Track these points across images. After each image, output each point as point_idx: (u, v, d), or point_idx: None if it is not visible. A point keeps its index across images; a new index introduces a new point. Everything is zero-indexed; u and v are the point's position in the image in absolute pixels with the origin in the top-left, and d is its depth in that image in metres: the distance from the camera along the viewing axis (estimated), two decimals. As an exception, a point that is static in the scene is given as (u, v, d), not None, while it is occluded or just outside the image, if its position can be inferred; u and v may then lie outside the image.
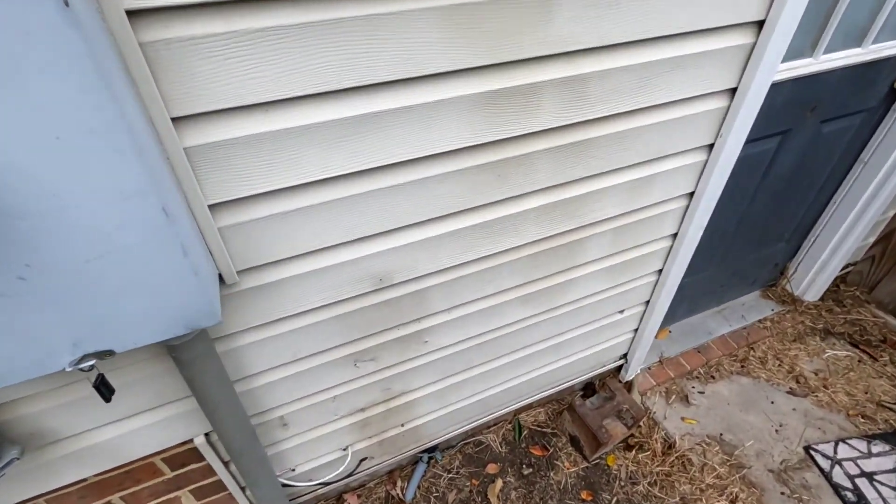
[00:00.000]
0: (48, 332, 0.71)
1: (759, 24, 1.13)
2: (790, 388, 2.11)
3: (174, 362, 0.95)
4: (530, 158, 1.10)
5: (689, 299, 2.24)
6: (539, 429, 1.98)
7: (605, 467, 1.86)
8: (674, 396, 2.06)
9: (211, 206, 0.85)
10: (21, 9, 0.48)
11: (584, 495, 1.77)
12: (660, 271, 1.69)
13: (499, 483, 1.79)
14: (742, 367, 2.19)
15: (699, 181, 1.43)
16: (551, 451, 1.91)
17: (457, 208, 1.10)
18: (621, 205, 1.35)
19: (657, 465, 1.84)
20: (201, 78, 0.72)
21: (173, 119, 0.74)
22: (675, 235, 1.58)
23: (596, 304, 1.65)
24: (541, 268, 1.39)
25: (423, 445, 1.76)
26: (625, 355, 2.03)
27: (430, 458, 1.82)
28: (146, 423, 1.11)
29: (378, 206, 1.01)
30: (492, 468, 1.85)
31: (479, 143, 1.02)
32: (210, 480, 1.39)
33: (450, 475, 1.83)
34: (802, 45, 1.49)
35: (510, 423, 1.99)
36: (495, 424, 1.98)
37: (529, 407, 2.01)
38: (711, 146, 1.35)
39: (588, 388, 2.10)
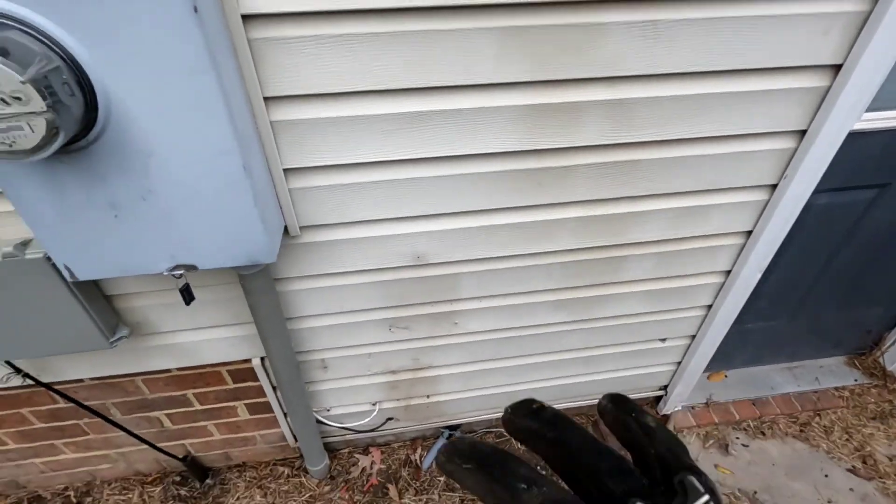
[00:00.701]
0: (155, 244, 0.96)
1: (836, 69, 1.10)
2: (853, 466, 1.92)
3: (243, 290, 1.19)
4: (570, 171, 1.18)
5: (753, 346, 2.12)
6: (562, 437, 2.02)
7: (620, 490, 1.85)
8: (712, 441, 1.98)
9: (286, 170, 1.06)
10: (162, 12, 0.69)
11: None
12: (709, 307, 1.65)
13: (510, 475, 1.88)
14: (801, 431, 2.03)
15: (758, 221, 1.39)
16: (569, 460, 1.94)
17: (494, 206, 1.22)
18: (667, 230, 1.37)
19: None
20: (290, 69, 0.92)
21: (265, 98, 0.95)
22: (727, 273, 1.54)
23: (635, 325, 1.66)
24: (576, 277, 1.45)
25: (446, 422, 1.91)
26: (665, 387, 1.99)
27: (450, 435, 1.96)
28: (218, 336, 1.38)
29: (422, 191, 1.16)
30: (507, 461, 1.93)
31: (520, 149, 1.12)
32: (261, 400, 1.66)
33: (466, 456, 1.95)
34: (911, 95, 1.37)
35: (535, 424, 2.05)
36: (520, 422, 2.05)
37: (557, 414, 2.06)
38: (774, 186, 1.31)
39: (622, 412, 2.09)
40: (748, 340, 2.08)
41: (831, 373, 2.22)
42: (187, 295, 1.06)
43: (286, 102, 0.97)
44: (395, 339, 1.52)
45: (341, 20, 0.89)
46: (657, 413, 2.07)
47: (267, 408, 1.69)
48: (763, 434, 2.01)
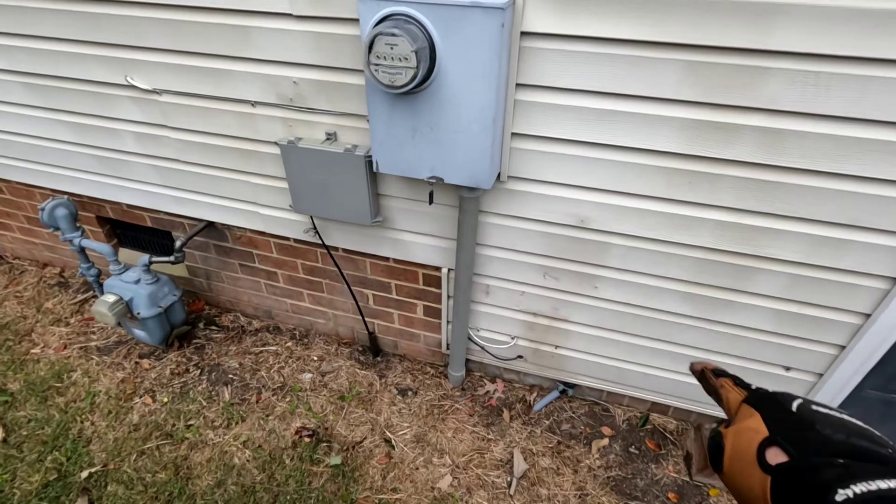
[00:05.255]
0: (426, 158, 1.57)
1: None
2: None
3: (459, 211, 1.76)
4: (718, 179, 1.50)
5: (899, 425, 2.03)
6: (662, 431, 2.23)
7: (705, 494, 2.01)
8: (818, 492, 1.98)
9: (512, 133, 1.60)
10: (487, 24, 1.27)
11: (671, 496, 1.99)
12: (842, 347, 1.74)
13: (605, 441, 2.17)
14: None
15: (905, 269, 1.50)
16: (663, 451, 2.15)
17: (650, 193, 1.59)
18: (802, 253, 1.56)
19: (756, 523, 1.89)
20: (536, 67, 1.45)
21: (517, 84, 1.50)
22: (866, 316, 1.64)
23: (758, 342, 1.83)
24: (708, 274, 1.72)
25: (563, 376, 2.28)
26: (781, 423, 2.05)
27: (563, 390, 2.32)
28: (427, 243, 2.00)
29: (599, 169, 1.59)
30: (606, 430, 2.23)
31: (680, 152, 1.49)
32: (435, 305, 2.26)
33: (571, 414, 2.29)
34: None
35: (640, 413, 2.29)
36: (627, 406, 2.31)
37: (663, 410, 2.27)
38: (926, 239, 1.43)
39: (729, 434, 2.20)
40: (895, 416, 2.01)
41: None
42: (431, 197, 1.67)
43: (528, 89, 1.51)
44: (545, 286, 1.97)
45: (578, 42, 1.39)
46: (767, 448, 2.13)
47: (437, 314, 2.28)
48: None
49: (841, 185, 1.41)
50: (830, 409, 0.40)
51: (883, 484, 0.32)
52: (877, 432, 0.37)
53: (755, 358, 1.89)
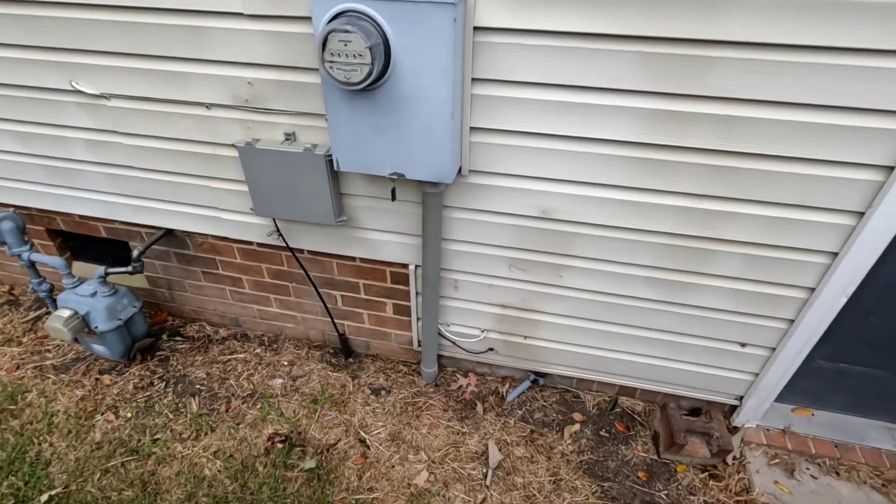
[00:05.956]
0: (387, 155, 1.57)
1: (925, 118, 1.32)
2: (935, 533, 1.88)
3: (422, 206, 1.77)
4: (676, 166, 1.56)
5: (850, 392, 2.15)
6: (631, 414, 2.29)
7: (673, 470, 2.08)
8: (778, 461, 2.08)
9: (471, 128, 1.62)
10: (437, 23, 1.28)
11: (640, 474, 2.05)
12: (791, 321, 1.83)
13: (576, 427, 2.22)
14: (883, 486, 2.02)
15: (844, 245, 1.59)
16: (632, 433, 2.22)
17: (609, 182, 1.64)
18: (755, 234, 1.63)
19: (722, 495, 1.97)
20: (492, 61, 1.48)
21: (473, 78, 1.52)
22: (811, 290, 1.73)
23: (718, 321, 1.90)
24: (671, 259, 1.77)
25: (534, 366, 2.31)
26: (741, 398, 2.15)
27: (534, 380, 2.36)
28: (393, 240, 2.00)
29: (559, 160, 1.63)
30: (577, 416, 2.28)
31: (638, 141, 1.53)
32: (405, 303, 2.26)
33: (543, 403, 2.33)
34: None
35: (610, 397, 2.35)
36: (596, 391, 2.37)
37: (631, 393, 2.33)
38: (862, 214, 1.52)
39: (694, 412, 2.28)
40: (845, 384, 2.13)
41: (940, 447, 2.13)
42: (393, 194, 1.68)
43: (484, 83, 1.53)
44: (512, 278, 2.00)
45: (532, 36, 1.42)
46: (729, 423, 2.22)
47: (407, 311, 2.29)
48: (837, 474, 2.05)
49: (789, 167, 1.48)
50: None
51: None
52: None
53: (714, 336, 1.97)
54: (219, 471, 2.03)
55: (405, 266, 2.10)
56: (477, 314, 2.18)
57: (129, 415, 2.23)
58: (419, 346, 2.39)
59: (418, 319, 2.29)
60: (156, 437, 2.15)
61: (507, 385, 2.41)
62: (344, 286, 2.29)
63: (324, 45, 1.32)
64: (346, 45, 1.30)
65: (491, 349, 2.29)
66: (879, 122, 1.35)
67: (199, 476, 2.00)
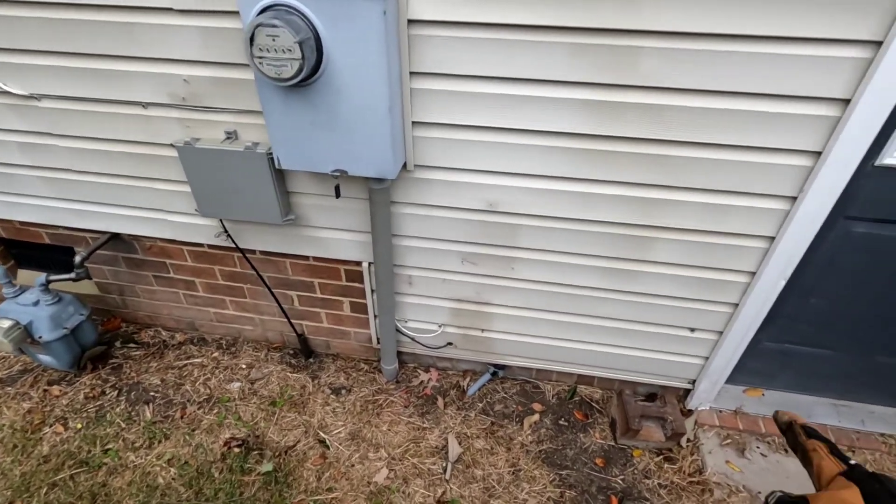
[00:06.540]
0: (328, 152, 1.55)
1: (846, 102, 1.36)
2: None
3: (369, 202, 1.75)
4: (616, 156, 1.57)
5: (797, 372, 2.22)
6: (589, 402, 2.33)
7: (629, 455, 2.12)
8: (730, 441, 2.14)
9: (413, 122, 1.61)
10: (369, 13, 1.27)
11: (598, 461, 2.09)
12: (735, 305, 1.88)
13: (535, 417, 2.24)
14: (828, 460, 2.09)
15: (780, 229, 1.63)
16: (590, 420, 2.25)
17: (553, 173, 1.65)
18: (694, 221, 1.67)
19: (676, 477, 2.02)
20: (428, 55, 1.46)
21: (411, 72, 1.50)
22: (752, 274, 1.78)
23: (666, 307, 1.94)
24: (616, 248, 1.79)
25: (493, 359, 2.33)
26: (694, 381, 2.20)
27: (494, 373, 2.37)
28: (344, 238, 1.98)
29: (503, 153, 1.63)
30: (537, 407, 2.30)
31: (578, 132, 1.55)
32: (361, 301, 2.24)
33: (504, 394, 2.35)
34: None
35: (569, 386, 2.38)
36: (556, 381, 2.40)
37: (589, 381, 2.37)
38: (794, 199, 1.56)
39: (650, 398, 2.32)
40: (792, 364, 2.20)
41: (882, 420, 2.22)
42: (337, 191, 1.65)
43: (423, 77, 1.52)
44: (464, 271, 2.00)
45: (467, 29, 1.41)
46: (684, 407, 2.27)
47: (363, 309, 2.27)
48: (786, 451, 2.12)
49: (722, 154, 1.51)
50: None
51: None
52: None
53: (664, 323, 2.01)
54: (173, 479, 1.98)
55: (359, 264, 2.08)
56: (433, 309, 2.18)
57: (79, 426, 2.16)
58: (378, 343, 2.38)
59: (376, 317, 2.27)
60: (107, 447, 2.09)
61: (469, 379, 2.42)
62: (299, 286, 2.26)
63: (251, 40, 1.29)
64: (273, 39, 1.28)
65: (450, 344, 2.29)
66: (804, 108, 1.39)
67: (152, 485, 1.96)
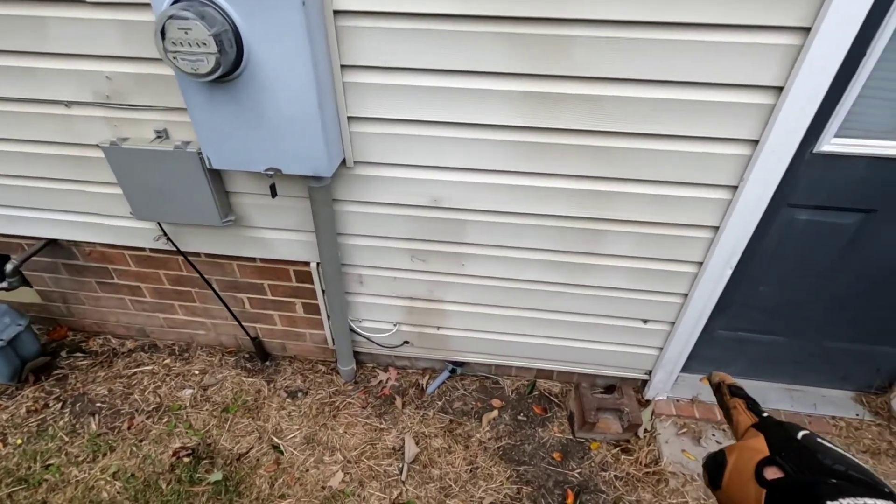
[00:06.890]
0: (259, 150, 1.49)
1: (779, 90, 1.35)
2: (825, 485, 1.99)
3: (310, 201, 1.70)
4: (553, 148, 1.54)
5: (751, 358, 2.24)
6: (548, 396, 2.31)
7: (587, 448, 2.11)
8: (686, 430, 2.16)
9: (349, 118, 1.55)
10: (285, 6, 1.20)
11: (555, 455, 2.08)
12: (685, 295, 1.88)
13: (494, 413, 2.22)
14: (781, 444, 2.12)
15: (723, 218, 1.62)
16: (549, 414, 2.24)
17: (495, 167, 1.61)
18: (642, 213, 1.65)
19: (632, 468, 2.02)
20: (357, 47, 1.41)
21: (342, 66, 1.44)
22: (699, 264, 1.77)
23: (618, 300, 1.93)
24: (565, 242, 1.77)
25: (451, 356, 2.30)
26: (650, 372, 2.20)
27: (453, 370, 2.35)
28: (289, 238, 1.92)
29: (442, 147, 1.59)
30: (496, 402, 2.28)
31: (517, 125, 1.51)
32: (313, 301, 2.18)
33: (463, 392, 2.32)
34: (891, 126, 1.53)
35: (528, 381, 2.37)
36: (515, 376, 2.38)
37: (548, 375, 2.36)
38: (735, 188, 1.55)
39: (609, 390, 2.32)
40: (746, 351, 2.22)
41: (832, 403, 2.26)
42: (273, 190, 1.59)
43: (354, 70, 1.46)
44: (415, 269, 1.96)
45: (396, 19, 1.36)
46: (641, 398, 2.28)
47: (316, 310, 2.21)
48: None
49: (662, 145, 1.49)
50: (834, 445, 0.42)
51: (870, 501, 0.34)
52: (876, 474, 0.39)
53: (617, 315, 2.00)
54: (118, 492, 1.91)
55: (307, 264, 2.02)
56: (386, 308, 2.13)
57: (18, 441, 2.07)
58: (333, 343, 2.32)
59: (328, 317, 2.22)
60: (48, 462, 2.00)
61: (428, 377, 2.39)
62: (249, 288, 2.19)
63: (163, 33, 1.22)
64: (186, 33, 1.21)
65: (406, 342, 2.26)
66: (739, 96, 1.37)
67: (95, 500, 1.88)
